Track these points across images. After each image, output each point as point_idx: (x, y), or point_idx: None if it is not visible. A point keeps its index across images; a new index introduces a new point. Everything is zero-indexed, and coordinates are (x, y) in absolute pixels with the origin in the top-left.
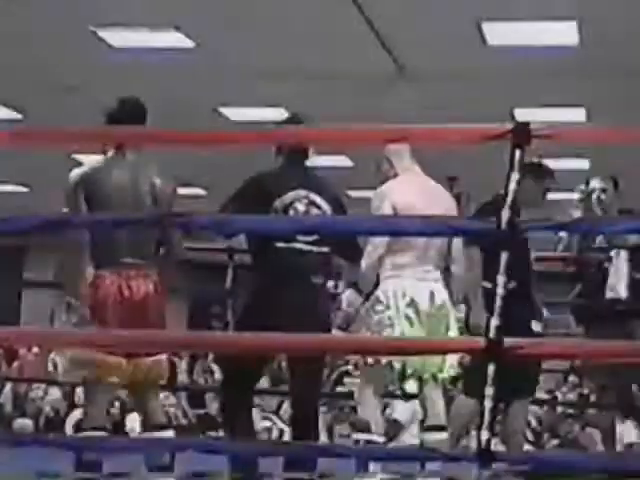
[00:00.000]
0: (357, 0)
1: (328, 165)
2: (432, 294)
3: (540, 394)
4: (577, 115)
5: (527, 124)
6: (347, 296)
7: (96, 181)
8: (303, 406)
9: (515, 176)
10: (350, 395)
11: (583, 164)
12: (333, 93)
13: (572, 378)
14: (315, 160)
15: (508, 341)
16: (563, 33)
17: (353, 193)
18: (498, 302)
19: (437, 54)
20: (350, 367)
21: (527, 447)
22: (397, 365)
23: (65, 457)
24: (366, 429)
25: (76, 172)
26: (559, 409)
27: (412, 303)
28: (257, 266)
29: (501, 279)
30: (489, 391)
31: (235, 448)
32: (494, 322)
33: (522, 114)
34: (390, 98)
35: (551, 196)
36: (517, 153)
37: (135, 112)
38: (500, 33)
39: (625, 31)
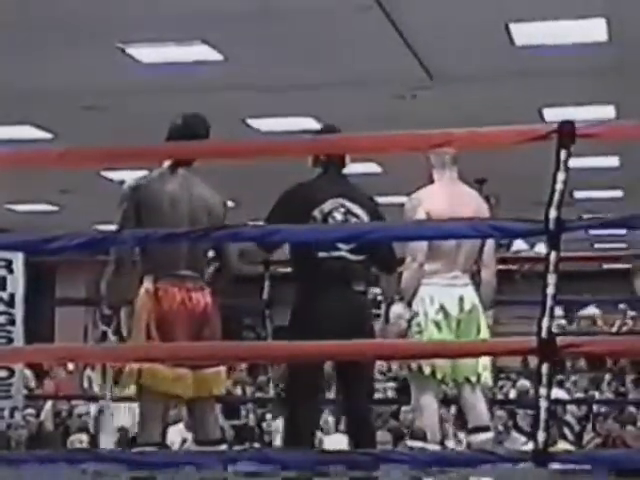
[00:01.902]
0: (384, 7)
1: (357, 172)
2: (461, 299)
3: (578, 394)
4: (606, 113)
5: (572, 123)
6: (395, 309)
7: (152, 192)
8: (358, 412)
9: (561, 176)
10: (388, 401)
11: (613, 161)
12: (362, 101)
13: (608, 376)
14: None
15: (561, 340)
16: (591, 31)
17: (382, 199)
18: (549, 302)
19: (465, 57)
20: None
21: (568, 447)
22: (427, 369)
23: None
24: (421, 437)
25: (129, 183)
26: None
27: (441, 309)
28: (300, 276)
29: (552, 278)
30: (543, 391)
31: (288, 458)
32: (545, 322)
33: (551, 114)
34: (420, 103)
35: (580, 195)
36: (563, 153)
37: (197, 128)
38: (528, 33)
39: None
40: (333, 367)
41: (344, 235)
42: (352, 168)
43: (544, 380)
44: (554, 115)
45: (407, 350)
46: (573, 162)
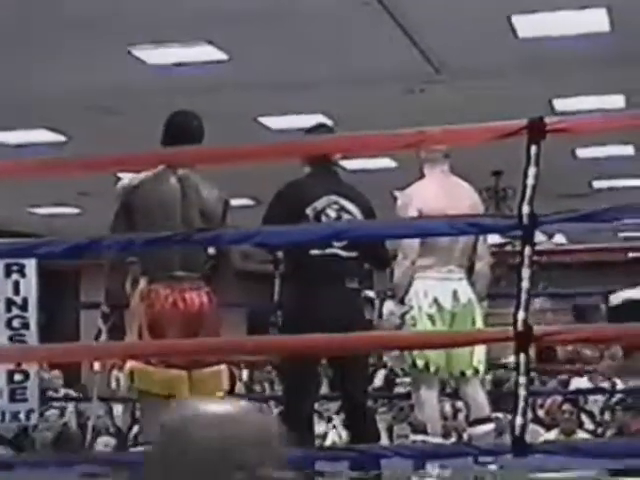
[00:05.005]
0: (386, 4)
1: (372, 167)
2: (455, 293)
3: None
4: (616, 102)
5: (541, 119)
6: (387, 306)
7: (143, 194)
8: (355, 406)
9: (532, 171)
10: (408, 395)
11: (628, 150)
12: (372, 97)
13: None
14: (359, 163)
15: (537, 329)
16: (594, 21)
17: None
18: (524, 296)
19: (470, 50)
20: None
21: (585, 436)
22: (420, 363)
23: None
24: (422, 430)
25: (122, 183)
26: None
27: (435, 302)
28: (293, 274)
29: (526, 272)
30: (522, 380)
31: (294, 455)
32: (521, 314)
33: (561, 104)
34: (430, 97)
35: (598, 184)
36: (533, 148)
37: (190, 125)
38: (530, 25)
39: None
40: (327, 360)
41: (322, 235)
42: (367, 163)
43: (522, 369)
44: (564, 106)
45: (392, 342)
46: (590, 152)
